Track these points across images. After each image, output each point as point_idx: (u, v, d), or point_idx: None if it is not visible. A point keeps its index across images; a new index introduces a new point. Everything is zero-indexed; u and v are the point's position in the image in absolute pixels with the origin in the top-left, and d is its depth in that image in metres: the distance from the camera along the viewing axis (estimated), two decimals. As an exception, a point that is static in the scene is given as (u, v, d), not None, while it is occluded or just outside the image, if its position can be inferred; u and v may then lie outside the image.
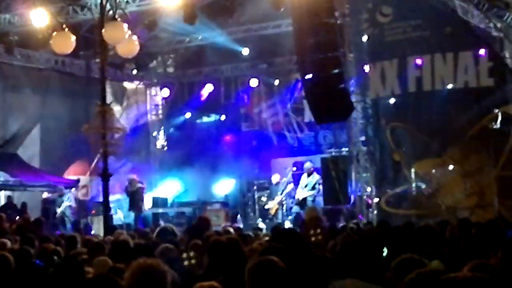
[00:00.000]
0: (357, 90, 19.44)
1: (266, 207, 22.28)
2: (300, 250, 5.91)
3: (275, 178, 22.58)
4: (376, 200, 18.97)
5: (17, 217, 18.48)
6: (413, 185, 18.24)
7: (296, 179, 21.33)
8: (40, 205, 23.32)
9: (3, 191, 22.38)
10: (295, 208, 20.23)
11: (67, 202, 22.27)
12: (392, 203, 18.46)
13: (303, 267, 5.80)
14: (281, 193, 21.73)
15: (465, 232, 9.66)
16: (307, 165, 20.98)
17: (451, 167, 17.96)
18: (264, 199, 22.82)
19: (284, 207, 21.78)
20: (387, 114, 18.92)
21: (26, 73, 22.77)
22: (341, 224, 15.50)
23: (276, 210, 21.85)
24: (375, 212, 18.86)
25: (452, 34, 17.80)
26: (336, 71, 17.69)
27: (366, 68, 19.25)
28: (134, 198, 21.43)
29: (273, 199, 22.04)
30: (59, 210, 21.89)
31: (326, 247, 9.04)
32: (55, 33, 15.56)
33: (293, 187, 21.31)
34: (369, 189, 19.32)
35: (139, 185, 21.86)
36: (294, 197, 21.08)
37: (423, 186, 18.14)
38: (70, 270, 5.76)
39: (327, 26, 17.42)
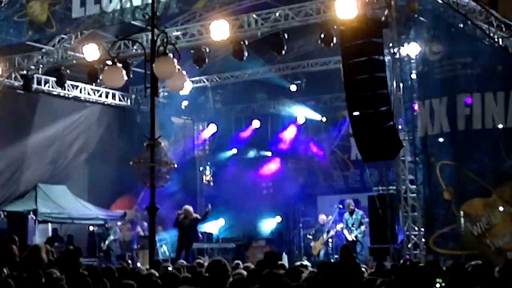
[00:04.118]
0: (405, 127, 19.27)
1: (311, 244, 22.15)
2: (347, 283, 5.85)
3: (321, 218, 22.44)
4: (423, 239, 18.68)
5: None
6: (462, 225, 17.93)
7: (342, 217, 21.25)
8: (86, 238, 23.53)
9: (49, 223, 22.57)
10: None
11: (113, 236, 22.39)
12: (441, 243, 18.14)
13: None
14: (327, 233, 21.61)
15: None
16: (348, 202, 20.91)
17: (501, 208, 17.62)
18: (310, 236, 22.69)
19: (331, 246, 21.62)
20: (436, 152, 18.67)
21: (76, 106, 23.11)
22: (388, 264, 15.26)
23: (319, 250, 21.71)
24: (423, 252, 18.56)
25: (503, 73, 17.59)
26: (385, 108, 17.59)
27: (415, 106, 19.09)
28: (187, 230, 20.73)
29: (318, 239, 21.91)
30: (104, 244, 22.03)
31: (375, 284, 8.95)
32: (106, 67, 15.78)
33: (340, 227, 21.19)
34: (416, 228, 19.04)
35: (195, 215, 21.31)
36: (342, 237, 20.94)
37: (473, 226, 17.82)
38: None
39: (376, 63, 17.39)
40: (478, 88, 17.92)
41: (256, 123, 26.75)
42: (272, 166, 26.35)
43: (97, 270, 11.35)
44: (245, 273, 9.17)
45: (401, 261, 15.63)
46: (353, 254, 18.92)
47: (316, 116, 25.69)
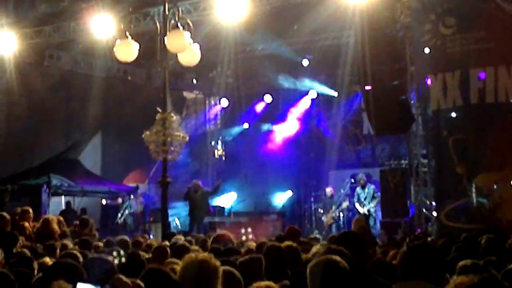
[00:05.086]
0: (418, 102, 19.23)
1: (322, 218, 22.24)
2: (361, 253, 5.88)
3: (328, 190, 22.55)
4: (435, 213, 18.72)
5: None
6: (474, 199, 17.94)
7: (353, 192, 21.31)
8: (99, 211, 23.71)
9: (63, 196, 22.73)
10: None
11: (128, 209, 22.52)
12: (452, 217, 18.16)
13: (366, 269, 5.77)
14: (337, 207, 21.70)
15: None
16: (360, 176, 20.96)
17: (513, 182, 17.62)
18: (321, 210, 22.78)
19: (342, 221, 21.71)
20: (449, 126, 18.64)
21: (88, 81, 23.16)
22: (399, 237, 15.33)
23: (330, 224, 21.81)
24: (434, 225, 18.61)
25: (517, 47, 17.50)
26: (397, 82, 17.58)
27: (428, 80, 19.04)
28: (198, 204, 21.09)
29: (328, 212, 22.01)
30: (121, 218, 22.18)
31: (386, 256, 9.02)
32: (118, 41, 15.79)
33: (351, 201, 21.28)
34: (428, 202, 19.07)
35: (205, 189, 21.57)
36: (353, 211, 21.03)
37: (484, 200, 17.82)
38: (135, 264, 5.82)
39: (389, 37, 17.36)
40: (492, 62, 17.83)
41: (267, 98, 26.73)
42: (284, 141, 26.35)
43: (111, 242, 11.49)
44: (254, 244, 9.27)
45: (412, 235, 15.69)
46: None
47: (328, 91, 25.64)
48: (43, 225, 13.41)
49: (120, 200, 23.73)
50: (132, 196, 23.44)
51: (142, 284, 1.62)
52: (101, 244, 11.60)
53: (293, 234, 11.12)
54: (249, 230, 20.36)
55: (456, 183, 18.30)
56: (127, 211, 22.55)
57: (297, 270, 6.14)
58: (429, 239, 14.16)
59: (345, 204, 21.72)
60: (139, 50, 16.13)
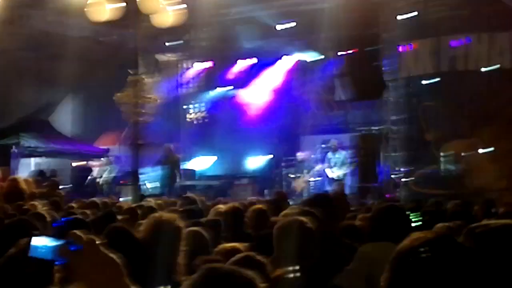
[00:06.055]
0: (390, 68, 19.32)
1: (293, 184, 22.35)
2: (332, 216, 5.96)
3: (300, 155, 22.63)
4: (404, 179, 18.93)
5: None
6: (442, 165, 18.16)
7: (325, 157, 21.42)
8: (69, 173, 23.59)
9: (33, 158, 22.58)
10: (328, 188, 20.16)
11: (108, 173, 22.39)
12: (421, 183, 18.41)
13: (334, 231, 5.85)
14: (308, 172, 21.81)
15: (489, 211, 9.69)
16: (332, 142, 21.04)
17: (481, 149, 17.84)
18: (291, 175, 22.86)
19: (313, 185, 21.83)
20: (419, 93, 18.80)
21: (60, 42, 22.89)
22: (369, 202, 15.50)
23: (301, 188, 21.91)
24: (403, 191, 18.83)
25: (489, 15, 17.60)
26: (370, 48, 17.65)
27: (400, 47, 19.12)
28: (169, 168, 21.15)
29: (299, 177, 22.11)
30: (100, 180, 22.06)
31: (355, 220, 9.11)
32: (90, 0, 15.66)
33: (322, 166, 21.40)
34: (397, 168, 19.27)
35: (176, 155, 21.65)
36: (322, 176, 21.18)
37: (452, 167, 18.05)
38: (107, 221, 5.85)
39: (363, 4, 17.36)
40: (463, 30, 17.95)
41: (242, 62, 26.63)
42: (257, 105, 26.33)
43: (83, 203, 11.50)
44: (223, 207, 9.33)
45: (381, 200, 15.88)
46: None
47: (302, 57, 25.60)
48: (11, 185, 13.28)
49: (92, 162, 23.65)
50: (102, 159, 23.31)
51: (96, 240, 1.63)
52: (75, 205, 11.61)
53: (282, 198, 11.47)
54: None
55: (425, 150, 18.52)
56: (106, 174, 22.41)
57: (264, 232, 6.20)
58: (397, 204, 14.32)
59: (317, 167, 21.80)
60: (112, 10, 16.03)
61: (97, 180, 22.40)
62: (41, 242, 1.99)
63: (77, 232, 1.99)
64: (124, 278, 1.98)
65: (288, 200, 16.43)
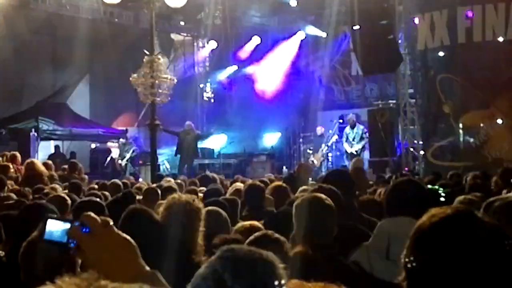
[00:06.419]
0: (405, 41, 19.20)
1: (311, 159, 22.33)
2: (350, 191, 5.96)
3: (319, 129, 22.61)
4: (422, 152, 18.87)
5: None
6: (461, 137, 18.09)
7: (342, 132, 21.38)
8: (88, 155, 23.70)
9: (51, 140, 22.68)
10: (346, 162, 20.12)
11: (129, 153, 22.47)
12: (439, 155, 18.35)
13: (353, 206, 5.85)
14: (326, 147, 21.79)
15: (508, 181, 9.63)
16: (350, 116, 20.96)
17: (499, 120, 17.74)
18: (309, 151, 22.85)
19: (330, 160, 21.83)
20: (436, 65, 18.69)
21: (75, 24, 22.91)
22: (387, 176, 15.47)
23: (321, 162, 21.90)
24: (422, 164, 18.78)
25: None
26: (385, 22, 17.53)
27: (416, 19, 18.98)
28: (189, 146, 20.90)
29: (317, 151, 22.09)
30: (123, 162, 22.13)
31: (374, 195, 9.11)
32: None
33: (337, 139, 21.38)
34: (415, 141, 19.21)
35: (197, 132, 21.47)
36: (340, 150, 21.16)
37: (471, 139, 17.97)
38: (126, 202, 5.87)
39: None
40: (479, 0, 17.78)
41: (256, 39, 26.57)
42: (273, 82, 26.29)
43: (104, 185, 11.56)
44: (241, 185, 9.35)
45: (399, 173, 15.84)
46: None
47: (316, 32, 25.51)
48: (28, 168, 13.35)
49: (111, 144, 23.74)
50: (121, 140, 23.38)
51: (110, 221, 1.63)
52: (95, 186, 11.69)
53: (305, 171, 11.40)
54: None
55: (443, 122, 18.44)
56: (128, 155, 22.47)
57: (283, 209, 6.22)
58: (416, 177, 14.29)
59: (333, 138, 21.77)
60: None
61: (119, 161, 22.46)
62: (55, 226, 2.00)
63: (90, 214, 2.00)
64: (139, 259, 1.98)
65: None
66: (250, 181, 9.31)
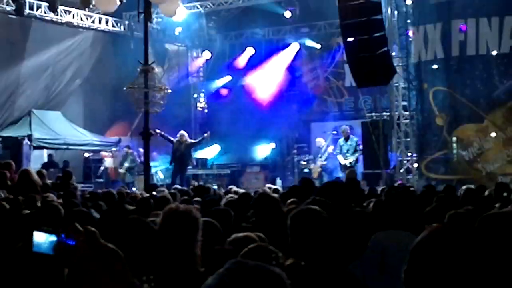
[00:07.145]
0: (399, 54, 19.26)
1: (306, 170, 22.31)
2: (343, 203, 5.96)
3: (318, 141, 22.52)
4: (416, 165, 18.90)
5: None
6: (454, 150, 18.13)
7: (336, 144, 21.38)
8: (81, 164, 23.65)
9: (45, 150, 22.62)
10: (340, 174, 20.09)
11: (130, 163, 22.42)
12: (433, 168, 18.39)
13: (346, 219, 5.85)
14: (321, 157, 21.78)
15: (501, 197, 9.66)
16: (343, 128, 20.95)
17: (493, 133, 17.79)
18: (303, 162, 22.85)
19: (326, 171, 21.83)
20: (430, 78, 18.75)
21: (69, 33, 22.91)
22: (380, 188, 15.46)
23: (319, 173, 21.87)
24: (415, 176, 18.81)
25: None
26: (379, 34, 17.55)
27: (410, 32, 19.05)
28: (182, 155, 20.57)
29: (315, 163, 22.06)
30: (121, 170, 22.11)
31: (366, 208, 9.11)
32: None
33: (334, 149, 21.38)
34: (409, 154, 19.24)
35: (190, 140, 21.24)
36: (338, 163, 21.17)
37: (464, 152, 18.01)
38: (117, 215, 5.85)
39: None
40: (473, 14, 17.87)
41: (250, 50, 26.60)
42: (267, 93, 26.29)
43: (97, 194, 11.52)
44: (236, 196, 9.34)
45: (393, 186, 15.86)
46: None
47: (310, 43, 25.57)
48: (22, 177, 13.27)
49: (104, 153, 23.72)
50: (113, 149, 23.36)
51: (96, 232, 1.61)
52: (89, 196, 11.65)
53: (307, 184, 11.31)
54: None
55: (436, 135, 18.48)
56: (126, 164, 22.43)
57: (277, 221, 6.21)
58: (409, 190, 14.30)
59: (329, 149, 21.73)
60: (120, 0, 16.04)
61: (120, 170, 22.46)
62: (41, 238, 1.99)
63: (75, 225, 1.98)
64: (126, 271, 1.96)
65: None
66: (243, 192, 9.31)
